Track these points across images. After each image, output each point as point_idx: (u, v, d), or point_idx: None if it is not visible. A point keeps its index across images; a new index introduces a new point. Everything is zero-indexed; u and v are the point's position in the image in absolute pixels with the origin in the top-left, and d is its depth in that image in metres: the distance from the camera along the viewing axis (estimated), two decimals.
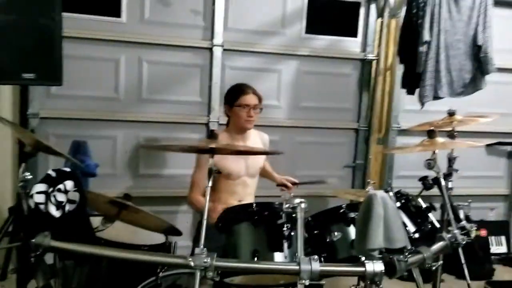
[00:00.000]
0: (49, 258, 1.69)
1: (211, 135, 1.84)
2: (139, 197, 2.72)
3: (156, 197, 3.28)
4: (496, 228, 4.17)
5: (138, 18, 3.43)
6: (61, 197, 1.73)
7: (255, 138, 2.86)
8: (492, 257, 3.95)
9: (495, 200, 4.36)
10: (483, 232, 3.89)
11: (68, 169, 1.85)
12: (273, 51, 3.71)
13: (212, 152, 1.79)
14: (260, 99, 2.77)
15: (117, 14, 3.39)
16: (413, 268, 1.84)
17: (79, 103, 3.35)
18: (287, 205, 1.78)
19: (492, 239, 4.06)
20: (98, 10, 3.35)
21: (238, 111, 2.71)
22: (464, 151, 3.90)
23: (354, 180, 3.97)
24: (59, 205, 1.71)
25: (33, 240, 1.53)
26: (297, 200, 1.75)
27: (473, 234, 1.91)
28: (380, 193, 1.70)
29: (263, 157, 2.89)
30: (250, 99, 2.72)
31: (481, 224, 3.93)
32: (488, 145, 4.19)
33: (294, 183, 3.03)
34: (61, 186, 1.75)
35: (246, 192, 2.74)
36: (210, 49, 3.55)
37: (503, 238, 4.19)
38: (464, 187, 3.92)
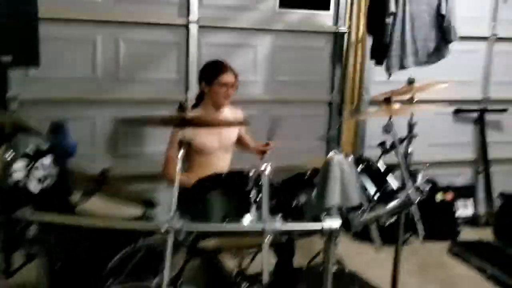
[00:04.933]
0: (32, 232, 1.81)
1: (180, 107, 1.93)
2: (119, 176, 2.81)
3: (136, 176, 3.38)
4: (463, 192, 4.37)
5: None
6: (39, 173, 1.84)
7: (228, 114, 2.95)
8: (459, 219, 4.16)
9: (462, 166, 4.55)
10: (449, 196, 4.08)
11: (45, 147, 1.95)
12: (248, 27, 3.79)
13: (183, 124, 1.89)
14: (236, 77, 2.84)
15: None
16: (371, 226, 1.97)
17: (57, 84, 3.40)
18: (253, 171, 1.91)
19: (459, 202, 4.27)
20: None
21: (217, 89, 2.78)
22: (431, 119, 4.11)
23: (328, 151, 4.10)
24: (38, 181, 1.82)
25: (15, 214, 1.64)
26: (262, 166, 1.89)
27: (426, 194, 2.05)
28: (337, 156, 1.83)
29: (236, 131, 2.99)
30: (228, 77, 2.79)
31: (448, 189, 4.14)
32: (454, 112, 4.36)
33: (266, 144, 3.07)
34: (39, 162, 1.86)
35: (220, 166, 2.83)
36: (186, 26, 3.61)
37: (469, 202, 4.40)
38: (432, 153, 4.11)
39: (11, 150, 2.24)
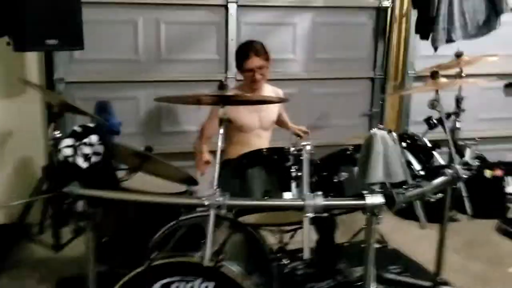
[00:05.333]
0: (80, 207, 1.88)
1: (221, 86, 1.93)
2: (161, 153, 2.88)
3: (178, 153, 3.44)
4: None
5: None
6: (87, 150, 1.89)
7: (269, 93, 2.93)
8: (509, 196, 3.99)
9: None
10: (499, 172, 3.91)
11: (92, 124, 2.01)
12: (287, 4, 3.74)
13: (222, 101, 1.90)
14: (266, 57, 2.77)
15: None
16: (415, 204, 1.92)
17: (101, 66, 3.50)
18: (293, 148, 1.89)
19: (509, 179, 4.08)
20: None
21: (245, 74, 2.79)
22: (481, 94, 3.94)
23: (371, 128, 4.01)
24: (86, 157, 1.87)
25: (64, 189, 1.71)
26: (304, 143, 1.87)
27: (474, 170, 1.98)
28: (380, 132, 1.78)
29: (276, 109, 2.98)
30: (252, 62, 2.72)
31: (498, 164, 3.97)
32: (506, 86, 4.15)
33: (305, 132, 3.09)
34: (86, 140, 1.91)
35: (260, 144, 2.81)
36: (225, 6, 3.61)
37: None
38: (481, 129, 3.95)
39: (59, 129, 2.34)
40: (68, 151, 1.87)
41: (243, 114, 2.76)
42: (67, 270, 2.62)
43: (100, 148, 1.94)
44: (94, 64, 3.48)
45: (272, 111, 2.94)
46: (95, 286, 1.74)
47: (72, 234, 1.82)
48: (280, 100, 2.69)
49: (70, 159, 1.85)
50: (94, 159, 1.90)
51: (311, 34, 3.84)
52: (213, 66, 3.70)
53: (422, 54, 3.82)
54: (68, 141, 1.91)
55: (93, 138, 1.95)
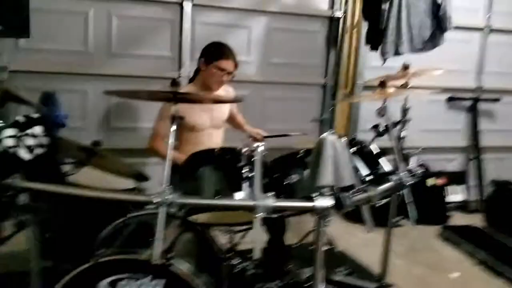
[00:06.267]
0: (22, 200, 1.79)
1: (173, 83, 1.91)
2: (110, 149, 2.79)
3: (127, 149, 3.35)
4: (455, 178, 4.43)
5: None
6: (30, 141, 1.81)
7: (220, 92, 2.92)
8: (450, 205, 4.22)
9: (454, 152, 4.61)
10: (441, 181, 4.13)
11: (37, 115, 1.92)
12: (242, 7, 3.76)
13: (175, 99, 1.88)
14: (236, 66, 2.80)
15: None
16: (362, 208, 1.98)
17: (48, 56, 3.35)
18: (246, 149, 1.91)
19: (450, 188, 4.32)
20: None
21: (213, 71, 2.74)
22: (426, 105, 4.14)
23: (321, 134, 4.10)
24: (29, 149, 1.79)
25: (5, 181, 1.62)
26: (256, 144, 1.89)
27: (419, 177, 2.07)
28: (331, 137, 1.83)
29: (227, 109, 2.98)
30: (229, 65, 2.74)
31: (440, 174, 4.19)
32: (448, 100, 4.40)
33: (263, 136, 3.14)
34: (30, 131, 1.83)
35: (211, 143, 2.80)
36: (180, 4, 3.57)
37: (460, 188, 4.46)
38: (425, 139, 4.15)
39: (1, 119, 2.22)
40: (10, 142, 1.79)
41: (195, 113, 2.74)
42: (7, 265, 2.51)
43: (44, 140, 1.86)
44: (41, 53, 3.33)
45: (223, 110, 2.94)
46: (38, 282, 1.67)
47: (13, 228, 1.72)
48: (233, 100, 2.70)
49: (12, 150, 1.77)
50: (37, 151, 1.82)
51: (265, 38, 3.88)
52: (166, 64, 3.64)
53: (372, 64, 3.95)
54: (10, 131, 1.83)
55: (37, 129, 1.87)
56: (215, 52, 2.78)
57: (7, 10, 2.64)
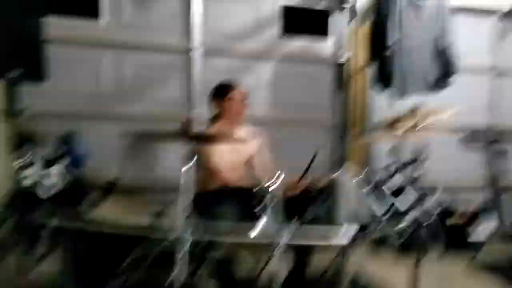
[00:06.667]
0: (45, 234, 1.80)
1: (185, 125, 1.94)
2: (127, 187, 2.81)
3: (144, 187, 3.42)
4: (475, 216, 4.25)
5: (117, 19, 3.60)
6: (49, 180, 1.84)
7: (246, 133, 2.94)
8: (471, 243, 4.06)
9: (472, 191, 4.45)
10: (461, 220, 4.02)
11: (55, 156, 1.97)
12: (250, 54, 3.90)
13: (196, 139, 1.90)
14: (245, 90, 2.94)
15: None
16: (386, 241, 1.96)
17: (65, 99, 3.49)
18: (261, 187, 1.92)
19: (470, 228, 4.18)
20: (77, 11, 3.47)
21: (229, 105, 2.85)
22: (441, 144, 4.10)
23: (333, 173, 4.09)
24: (48, 187, 1.82)
25: (27, 217, 1.64)
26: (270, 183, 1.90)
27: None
28: (344, 175, 1.86)
29: (249, 151, 2.96)
30: (238, 92, 2.89)
31: (459, 213, 4.05)
32: (462, 139, 4.37)
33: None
34: (48, 170, 1.87)
35: (230, 181, 2.69)
36: (189, 52, 3.72)
37: (482, 226, 4.30)
38: (442, 178, 4.08)
39: (22, 158, 2.26)
40: (30, 181, 1.82)
41: (216, 151, 2.73)
42: None
43: (63, 179, 1.90)
44: (59, 97, 3.47)
45: (244, 152, 2.92)
46: None
47: (39, 259, 1.72)
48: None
49: (33, 189, 1.80)
50: (56, 189, 1.85)
51: (273, 83, 3.98)
52: (177, 106, 3.74)
53: (381, 104, 3.98)
54: (31, 171, 1.87)
55: (56, 169, 1.91)
56: (224, 89, 2.91)
57: (24, 57, 2.75)
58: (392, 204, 2.21)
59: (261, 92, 3.95)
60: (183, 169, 1.83)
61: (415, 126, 2.58)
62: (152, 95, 3.70)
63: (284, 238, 1.69)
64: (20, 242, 2.19)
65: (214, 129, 2.89)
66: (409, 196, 2.12)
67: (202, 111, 3.39)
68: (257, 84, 3.94)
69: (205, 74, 3.76)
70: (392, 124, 2.34)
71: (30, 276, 2.51)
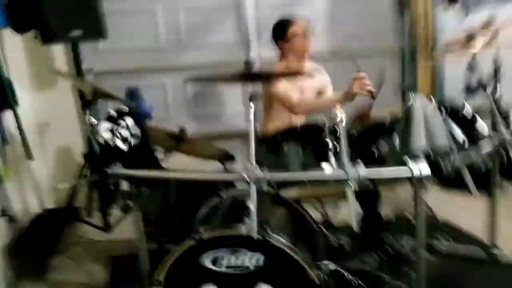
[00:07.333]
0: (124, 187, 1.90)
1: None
2: (194, 135, 2.88)
3: (210, 134, 3.48)
4: None
5: None
6: (125, 132, 1.91)
7: (311, 70, 2.83)
8: None
9: None
10: None
11: (126, 108, 2.02)
12: None
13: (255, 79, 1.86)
14: (307, 23, 2.78)
15: None
16: (464, 173, 1.85)
17: (125, 55, 3.54)
18: (328, 122, 1.85)
19: None
20: None
21: (293, 41, 2.73)
22: None
23: (404, 101, 3.92)
24: (125, 139, 1.89)
25: (108, 170, 1.72)
26: (338, 116, 1.83)
27: None
28: (419, 100, 1.74)
29: (316, 85, 2.87)
30: (300, 26, 2.74)
31: None
32: None
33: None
34: (123, 123, 1.93)
35: (298, 118, 2.71)
36: None
37: None
38: None
39: (93, 116, 2.36)
40: (107, 135, 1.89)
41: (285, 88, 2.68)
42: (118, 249, 2.67)
43: (137, 131, 1.95)
44: (119, 53, 3.53)
45: (312, 87, 2.83)
46: (145, 263, 1.76)
47: (120, 213, 1.84)
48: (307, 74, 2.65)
49: (111, 142, 1.87)
50: (133, 141, 1.92)
51: (332, 10, 3.78)
52: (234, 48, 3.69)
53: (450, 22, 3.68)
54: (106, 125, 1.93)
55: (129, 121, 1.97)
56: (281, 28, 2.78)
57: (83, 15, 2.80)
58: (474, 127, 2.05)
59: (318, 24, 3.77)
60: (250, 112, 1.80)
61: (491, 39, 2.35)
62: (208, 39, 3.67)
63: (362, 171, 1.62)
64: (103, 198, 2.36)
65: (281, 66, 2.83)
66: (493, 115, 1.96)
67: (259, 51, 3.32)
68: (313, 16, 3.75)
69: (258, 12, 3.65)
70: (466, 41, 2.13)
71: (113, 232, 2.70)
